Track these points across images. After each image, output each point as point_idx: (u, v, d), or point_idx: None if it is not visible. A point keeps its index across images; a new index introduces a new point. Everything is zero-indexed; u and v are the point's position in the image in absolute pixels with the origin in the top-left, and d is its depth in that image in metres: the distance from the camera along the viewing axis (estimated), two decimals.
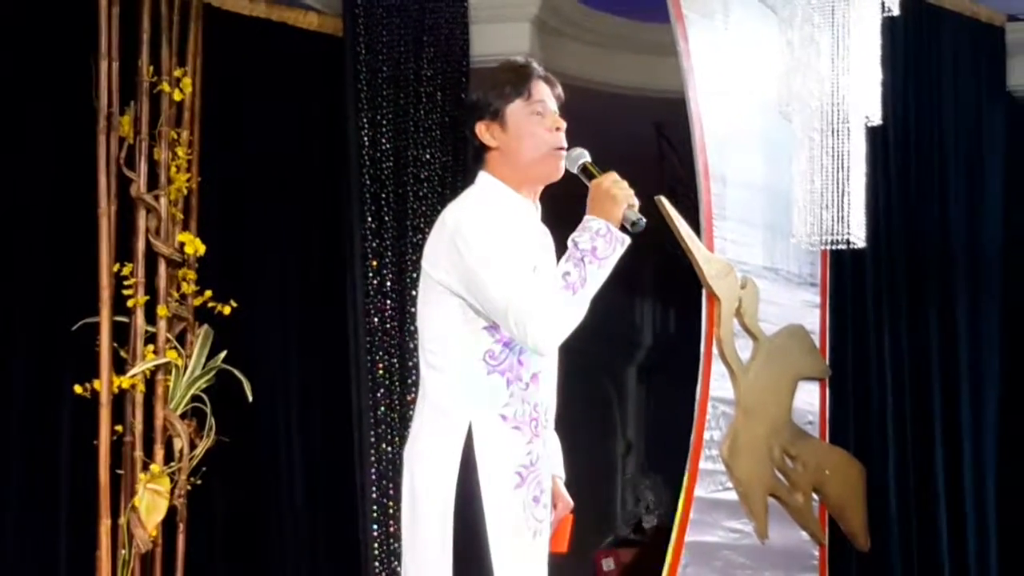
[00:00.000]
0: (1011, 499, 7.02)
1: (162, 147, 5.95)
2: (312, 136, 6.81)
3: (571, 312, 3.34)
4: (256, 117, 6.60)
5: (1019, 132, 7.37)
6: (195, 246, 5.97)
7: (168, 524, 5.83)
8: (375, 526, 6.37)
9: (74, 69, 5.88)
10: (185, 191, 6.02)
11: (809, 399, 6.56)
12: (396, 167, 6.64)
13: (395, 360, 6.51)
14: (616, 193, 3.40)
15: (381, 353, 6.49)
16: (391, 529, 6.32)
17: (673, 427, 6.79)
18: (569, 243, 3.37)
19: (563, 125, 3.55)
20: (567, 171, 3.54)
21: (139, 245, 5.88)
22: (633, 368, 11.49)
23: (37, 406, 5.94)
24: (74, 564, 5.87)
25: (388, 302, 6.53)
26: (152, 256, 5.91)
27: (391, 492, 6.32)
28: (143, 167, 5.90)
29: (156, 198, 5.91)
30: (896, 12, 5.93)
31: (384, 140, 6.63)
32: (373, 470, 6.39)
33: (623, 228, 3.39)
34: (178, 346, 5.91)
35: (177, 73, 6.01)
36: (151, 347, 5.85)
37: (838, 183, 5.89)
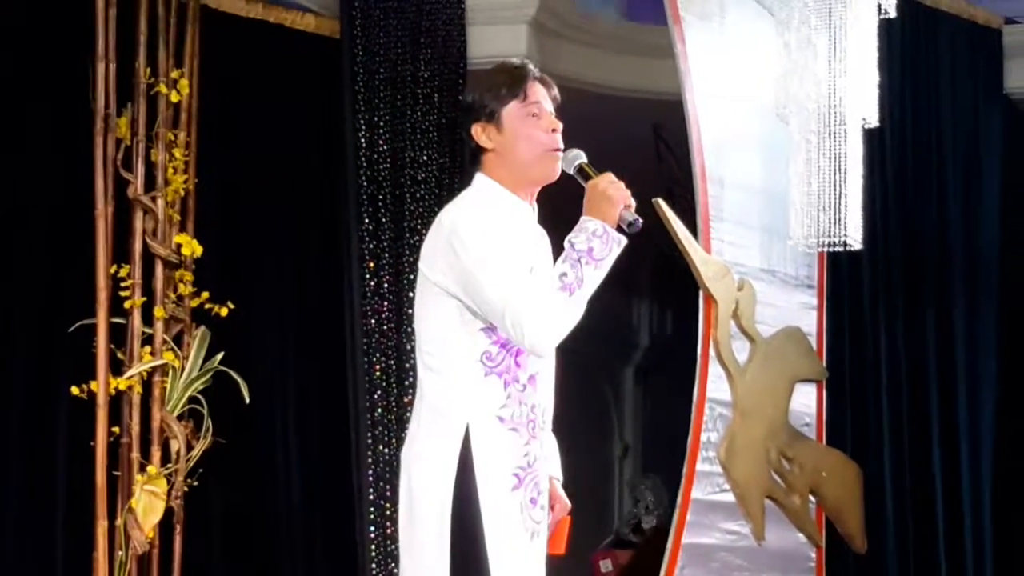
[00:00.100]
0: (1007, 501, 7.02)
1: (159, 149, 5.95)
2: (309, 138, 6.81)
3: (568, 313, 3.34)
4: (253, 119, 6.60)
5: (1016, 134, 7.38)
6: (192, 248, 5.96)
7: (165, 526, 5.82)
8: (372, 528, 6.37)
9: (71, 71, 5.88)
10: (182, 192, 6.01)
11: (806, 401, 6.56)
12: (393, 169, 6.64)
13: (392, 362, 6.51)
14: (612, 194, 3.39)
15: (378, 355, 6.49)
16: (388, 531, 6.32)
17: (670, 429, 6.80)
18: (566, 244, 3.37)
19: (559, 126, 3.55)
20: (564, 172, 3.54)
21: (136, 247, 5.88)
22: (630, 369, 11.50)
23: (34, 407, 5.93)
24: (71, 565, 5.86)
25: (385, 304, 6.53)
26: (149, 258, 5.91)
27: (388, 494, 6.32)
28: (140, 169, 5.90)
29: (153, 199, 5.91)
30: (893, 14, 5.94)
31: (381, 142, 6.63)
32: (370, 472, 6.39)
33: (620, 229, 3.39)
34: (175, 348, 5.91)
35: (174, 75, 6.01)
36: (148, 348, 5.85)
37: (835, 185, 5.89)
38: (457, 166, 6.65)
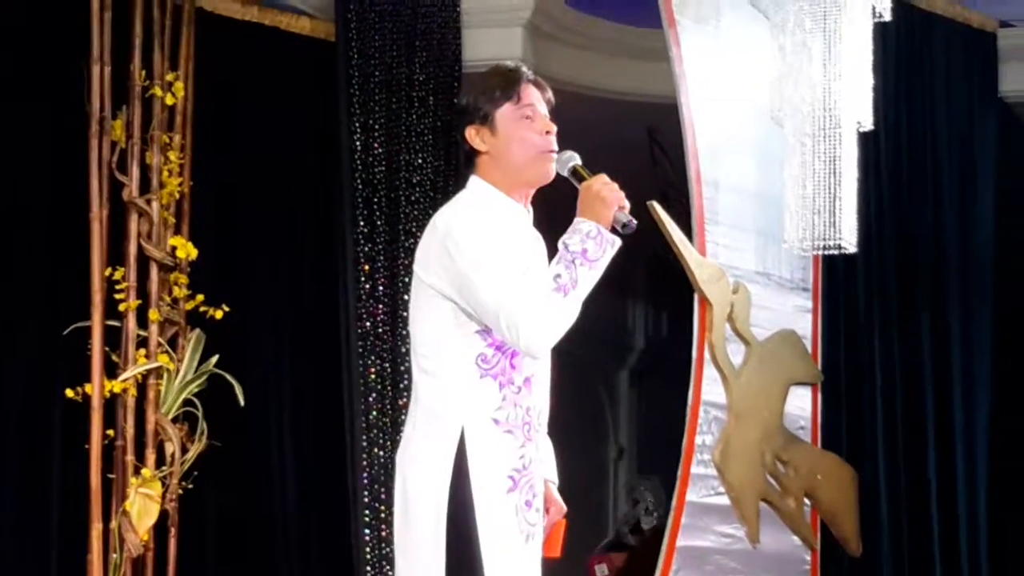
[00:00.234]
0: (1003, 504, 7.03)
1: (154, 151, 5.95)
2: (304, 140, 6.80)
3: (563, 314, 3.34)
4: (248, 121, 6.60)
5: (1011, 138, 7.39)
6: (187, 250, 5.96)
7: (159, 528, 5.82)
8: (367, 530, 6.36)
9: (66, 73, 5.88)
10: (177, 195, 6.01)
11: (801, 404, 6.56)
12: (388, 171, 6.64)
13: (387, 364, 6.51)
14: (606, 195, 3.40)
15: (373, 357, 6.49)
16: (383, 534, 6.32)
17: (665, 431, 6.80)
18: (559, 245, 3.37)
19: (553, 129, 3.55)
20: (558, 174, 3.54)
21: (131, 249, 5.88)
22: (625, 372, 11.50)
23: (29, 410, 5.93)
24: (65, 568, 5.86)
25: (380, 306, 6.53)
26: (144, 260, 5.91)
27: (383, 496, 6.32)
28: (135, 171, 5.90)
29: (148, 202, 5.91)
30: (888, 18, 5.94)
31: (376, 144, 6.63)
32: (365, 474, 6.39)
33: (614, 230, 3.39)
34: (170, 350, 5.91)
35: (169, 77, 6.01)
36: (143, 351, 5.84)
37: (830, 188, 5.89)
38: (452, 169, 6.65)
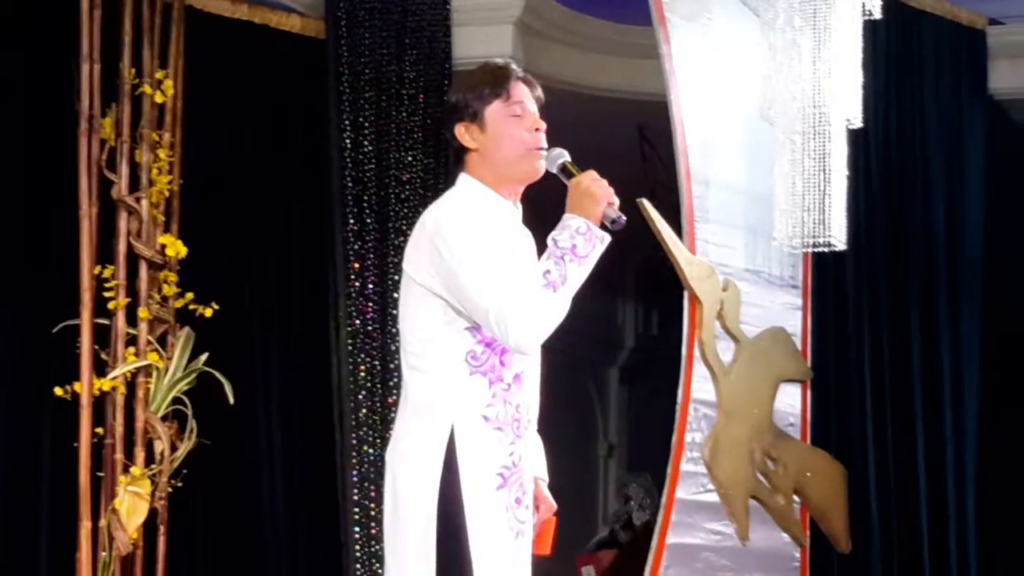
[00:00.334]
0: (991, 501, 7.03)
1: (143, 149, 5.94)
2: (294, 138, 6.80)
3: (552, 310, 3.34)
4: (238, 119, 6.60)
5: (1000, 135, 7.39)
6: (176, 248, 5.96)
7: (149, 526, 5.82)
8: (357, 528, 6.36)
9: (56, 71, 5.87)
10: (167, 193, 6.01)
11: (791, 401, 6.57)
12: (378, 169, 6.64)
13: (377, 362, 6.51)
14: (595, 191, 3.40)
15: (363, 355, 6.49)
16: (373, 532, 6.32)
17: (655, 429, 6.79)
18: (549, 241, 3.37)
19: (542, 126, 3.55)
20: (547, 172, 3.54)
21: (120, 247, 5.87)
22: (615, 370, 11.51)
23: (18, 408, 5.92)
24: (54, 566, 5.85)
25: (370, 304, 6.53)
26: (133, 258, 5.90)
27: (373, 494, 6.32)
28: (124, 169, 5.89)
29: (137, 200, 5.90)
30: (877, 15, 5.95)
31: (366, 142, 6.62)
32: (355, 472, 6.39)
33: (603, 226, 3.39)
34: (159, 348, 5.90)
35: (159, 75, 6.00)
36: (132, 349, 5.84)
37: (819, 186, 5.89)
38: (442, 167, 6.65)
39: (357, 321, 6.49)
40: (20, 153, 5.98)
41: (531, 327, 3.33)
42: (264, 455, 6.59)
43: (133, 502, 5.70)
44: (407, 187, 6.67)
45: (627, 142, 8.10)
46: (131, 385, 5.84)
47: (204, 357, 5.92)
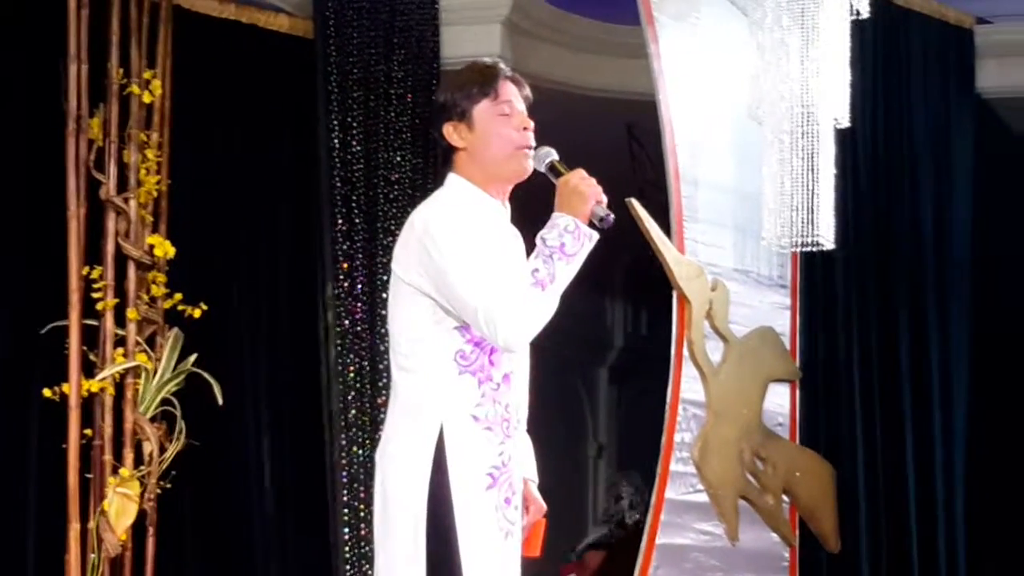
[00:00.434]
0: (980, 501, 7.04)
1: (131, 149, 5.93)
2: (282, 138, 6.79)
3: (541, 309, 3.34)
4: (226, 119, 6.59)
5: (988, 134, 7.40)
6: (165, 249, 5.95)
7: (138, 528, 5.80)
8: (346, 529, 6.35)
9: (43, 71, 5.86)
10: (155, 193, 6.00)
11: (779, 401, 6.57)
12: (367, 169, 6.63)
13: (366, 363, 6.50)
14: (584, 190, 3.40)
15: (352, 356, 6.48)
16: (362, 532, 6.31)
17: (644, 429, 6.79)
18: (537, 240, 3.38)
19: (531, 125, 3.55)
20: (536, 171, 3.54)
21: (108, 248, 5.86)
22: (604, 370, 11.50)
23: (5, 410, 5.90)
24: (43, 568, 5.84)
25: (359, 305, 6.53)
26: (122, 259, 5.89)
27: (362, 495, 6.31)
28: (112, 169, 5.88)
29: (126, 200, 5.89)
30: (865, 14, 5.95)
31: (354, 142, 6.62)
32: (344, 473, 6.38)
33: (592, 224, 3.39)
34: (148, 349, 5.89)
35: (147, 75, 5.99)
36: (121, 350, 5.83)
37: (808, 185, 5.89)
38: (431, 167, 6.64)
39: (346, 321, 6.49)
40: (8, 153, 5.96)
41: (519, 326, 3.33)
42: (253, 456, 6.58)
43: (122, 503, 5.69)
44: (395, 187, 6.67)
45: (615, 141, 8.10)
46: (120, 386, 5.83)
47: (193, 358, 5.91)
